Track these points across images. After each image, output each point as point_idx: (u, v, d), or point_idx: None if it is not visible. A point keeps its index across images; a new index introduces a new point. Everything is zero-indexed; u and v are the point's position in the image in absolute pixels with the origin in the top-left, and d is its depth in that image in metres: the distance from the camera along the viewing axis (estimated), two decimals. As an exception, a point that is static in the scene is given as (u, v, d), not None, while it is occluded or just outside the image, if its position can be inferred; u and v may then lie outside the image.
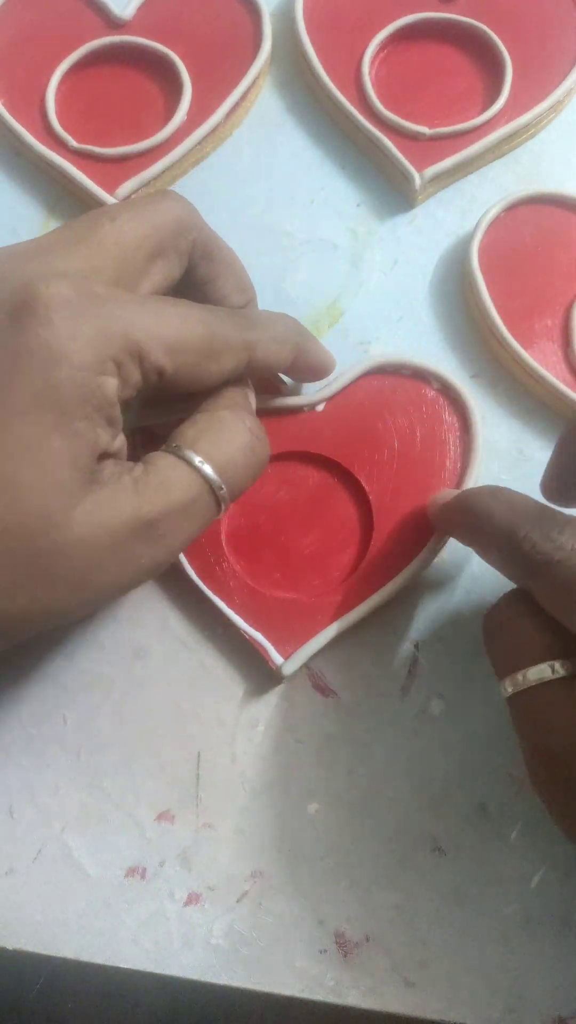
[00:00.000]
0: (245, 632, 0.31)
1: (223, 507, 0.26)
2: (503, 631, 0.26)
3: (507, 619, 0.26)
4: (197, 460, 0.25)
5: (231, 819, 0.30)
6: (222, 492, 0.26)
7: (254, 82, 0.39)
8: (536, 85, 0.38)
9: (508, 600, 0.27)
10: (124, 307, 0.25)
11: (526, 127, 0.38)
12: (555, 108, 0.38)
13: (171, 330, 0.25)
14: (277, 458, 0.33)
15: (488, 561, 0.27)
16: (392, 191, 0.38)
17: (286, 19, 0.40)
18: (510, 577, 0.27)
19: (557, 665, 0.25)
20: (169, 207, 0.28)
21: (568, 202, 0.36)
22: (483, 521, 0.27)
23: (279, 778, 0.30)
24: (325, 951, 0.29)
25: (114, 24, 0.40)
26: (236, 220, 0.38)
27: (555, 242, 0.36)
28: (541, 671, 0.25)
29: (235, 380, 0.28)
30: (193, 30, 0.40)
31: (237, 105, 0.38)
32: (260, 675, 0.31)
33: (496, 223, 0.36)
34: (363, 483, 0.32)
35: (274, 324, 0.29)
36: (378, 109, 0.37)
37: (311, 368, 0.32)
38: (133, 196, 0.37)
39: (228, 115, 0.38)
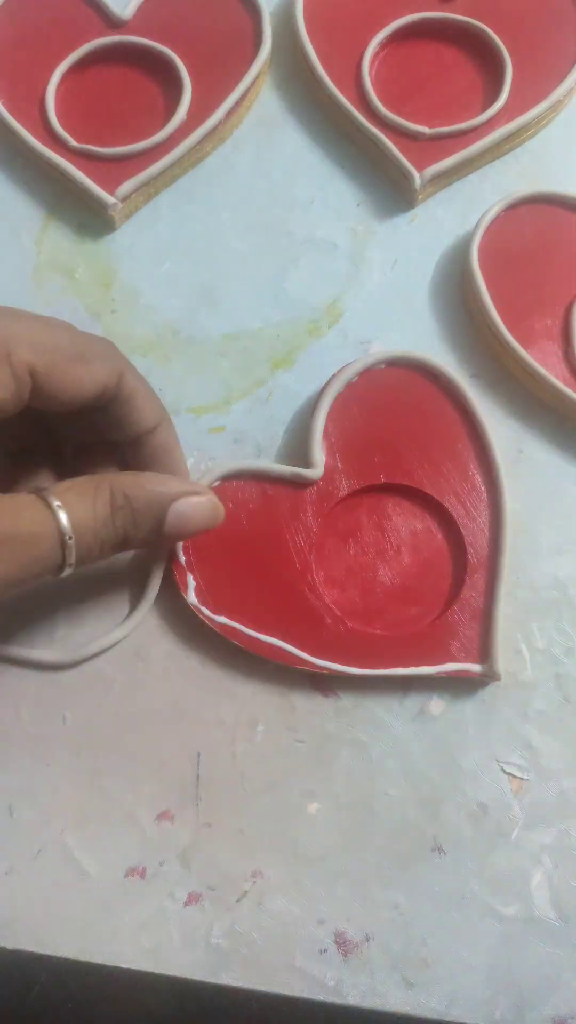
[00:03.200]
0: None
1: (67, 562, 0.26)
2: None
3: None
4: (56, 503, 0.26)
5: (231, 819, 0.30)
6: (70, 541, 0.26)
7: (254, 82, 0.39)
8: (536, 85, 0.38)
9: None
10: None
11: (526, 127, 0.38)
12: (555, 107, 0.38)
13: (36, 330, 0.26)
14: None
15: None
16: (392, 191, 0.38)
17: (286, 19, 0.40)
18: None
19: None
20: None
21: (568, 202, 0.36)
22: None
23: (279, 778, 0.30)
24: (325, 951, 0.29)
25: (114, 24, 0.40)
26: (236, 220, 0.38)
27: (555, 242, 0.36)
28: None
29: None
30: (193, 30, 0.39)
31: (237, 105, 0.38)
32: (260, 675, 0.31)
33: (496, 223, 0.36)
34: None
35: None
36: (378, 109, 0.37)
37: (167, 451, 0.31)
38: (129, 196, 0.37)
39: (228, 115, 0.38)
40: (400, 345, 0.36)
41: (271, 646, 0.30)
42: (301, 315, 0.36)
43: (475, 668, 0.30)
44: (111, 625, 0.32)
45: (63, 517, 0.26)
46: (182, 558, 0.31)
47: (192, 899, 0.29)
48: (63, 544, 0.26)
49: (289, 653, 0.30)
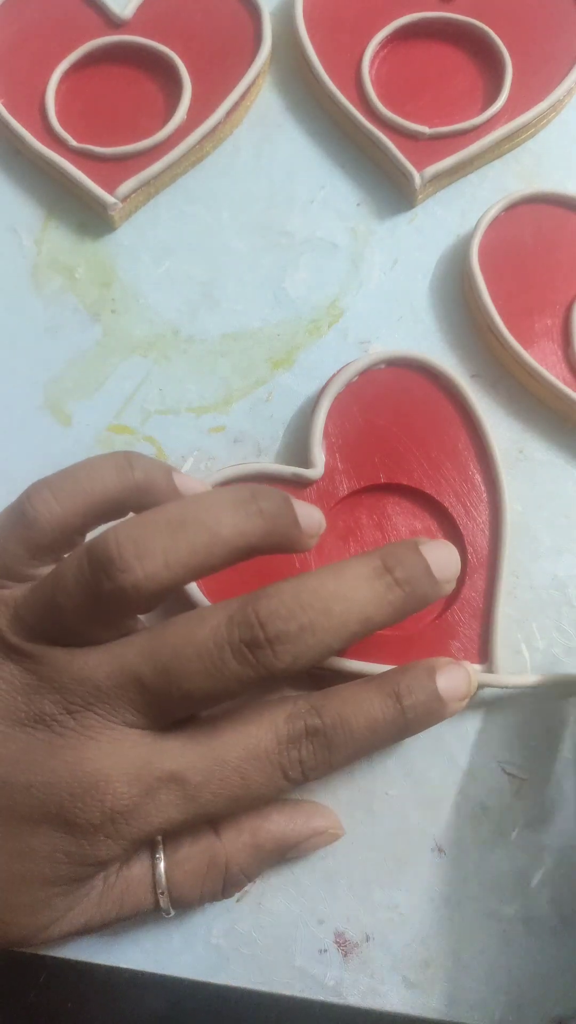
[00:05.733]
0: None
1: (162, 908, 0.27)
2: None
3: None
4: (162, 883, 0.26)
5: (231, 819, 0.30)
6: (162, 896, 0.26)
7: (254, 82, 0.39)
8: (536, 84, 0.38)
9: None
10: None
11: (526, 126, 0.38)
12: (555, 107, 0.38)
13: None
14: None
15: None
16: (392, 191, 0.38)
17: (286, 19, 0.40)
18: None
19: None
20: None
21: (568, 202, 0.36)
22: None
23: (279, 778, 0.30)
24: (325, 951, 0.29)
25: (114, 23, 0.40)
26: (236, 220, 0.38)
27: (555, 242, 0.36)
28: None
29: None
30: (193, 30, 0.40)
31: (237, 105, 0.38)
32: (260, 675, 0.31)
33: (496, 223, 0.36)
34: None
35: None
36: (378, 109, 0.37)
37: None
38: (129, 196, 0.37)
39: (228, 115, 0.38)
40: (400, 345, 0.36)
41: None
42: (301, 315, 0.36)
43: (475, 668, 0.30)
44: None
45: (164, 900, 0.26)
46: None
47: (192, 899, 0.29)
48: (156, 895, 0.26)
49: None
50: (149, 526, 0.24)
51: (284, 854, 0.28)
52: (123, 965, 0.28)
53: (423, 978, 0.28)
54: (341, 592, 0.24)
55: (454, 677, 0.26)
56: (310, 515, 0.27)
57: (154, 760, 0.24)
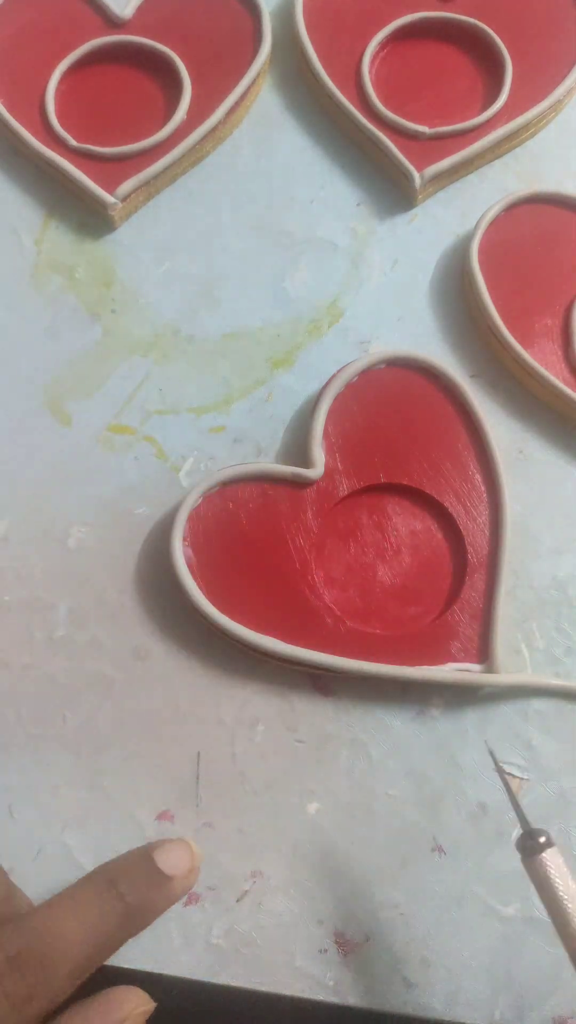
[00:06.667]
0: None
1: None
2: None
3: None
4: None
5: (231, 819, 0.30)
6: None
7: (254, 82, 0.39)
8: (536, 84, 0.38)
9: None
10: None
11: (526, 127, 0.38)
12: (555, 107, 0.38)
13: None
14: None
15: None
16: (392, 191, 0.38)
17: (286, 19, 0.40)
18: None
19: None
20: None
21: (568, 202, 0.36)
22: None
23: (279, 778, 0.30)
24: (325, 951, 0.29)
25: (114, 23, 0.40)
26: (236, 220, 0.38)
27: (555, 242, 0.36)
28: None
29: None
30: (193, 30, 0.40)
31: (237, 105, 0.38)
32: (260, 675, 0.31)
33: (496, 223, 0.36)
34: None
35: None
36: (378, 109, 0.38)
37: None
38: (129, 196, 0.37)
39: (228, 115, 0.38)
40: (400, 345, 0.36)
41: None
42: (301, 315, 0.36)
43: (475, 668, 0.30)
44: (113, 627, 0.32)
45: None
46: (183, 557, 0.31)
47: (192, 899, 0.29)
48: None
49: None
50: None
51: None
52: (123, 965, 0.28)
53: (423, 978, 0.28)
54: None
55: (172, 851, 0.25)
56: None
57: None
